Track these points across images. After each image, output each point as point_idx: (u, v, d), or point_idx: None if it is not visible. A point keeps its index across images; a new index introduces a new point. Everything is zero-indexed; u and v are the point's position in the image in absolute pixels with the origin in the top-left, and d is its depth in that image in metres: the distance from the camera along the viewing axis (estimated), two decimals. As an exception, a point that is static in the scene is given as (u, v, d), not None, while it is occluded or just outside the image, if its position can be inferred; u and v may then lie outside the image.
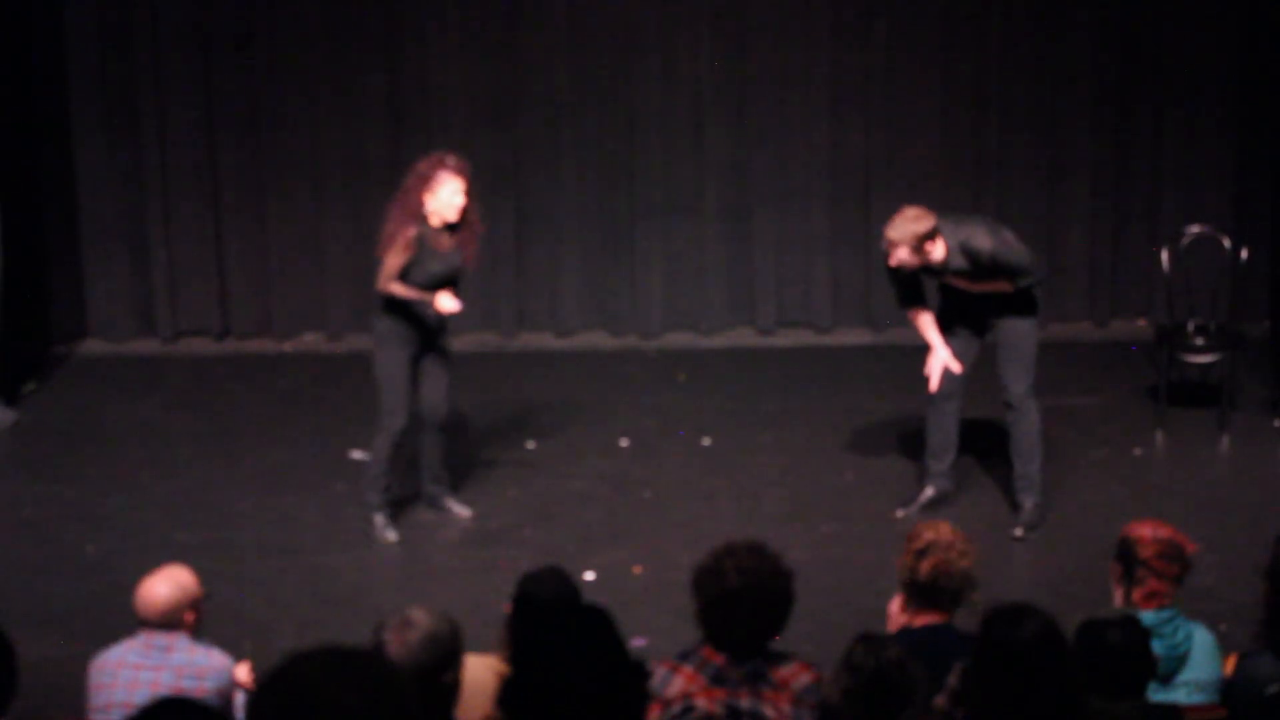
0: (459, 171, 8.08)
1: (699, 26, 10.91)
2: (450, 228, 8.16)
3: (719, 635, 4.96)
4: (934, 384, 8.44)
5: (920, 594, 5.59)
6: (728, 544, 5.07)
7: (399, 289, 8.11)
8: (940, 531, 5.66)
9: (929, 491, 8.63)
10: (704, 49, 10.92)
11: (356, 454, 9.15)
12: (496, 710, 5.06)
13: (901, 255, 8.10)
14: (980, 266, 8.14)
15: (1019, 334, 8.32)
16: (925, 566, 5.57)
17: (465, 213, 8.14)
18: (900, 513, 8.56)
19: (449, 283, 8.21)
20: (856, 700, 4.67)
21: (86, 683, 5.76)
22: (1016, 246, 8.20)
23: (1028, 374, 8.34)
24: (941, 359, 8.38)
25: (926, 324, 8.42)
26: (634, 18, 10.89)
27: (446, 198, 8.06)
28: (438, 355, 8.38)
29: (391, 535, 8.50)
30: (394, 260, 8.08)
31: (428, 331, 8.28)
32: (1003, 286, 8.24)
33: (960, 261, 8.14)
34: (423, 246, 8.08)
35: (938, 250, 8.12)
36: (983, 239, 8.13)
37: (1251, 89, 10.84)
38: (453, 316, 8.32)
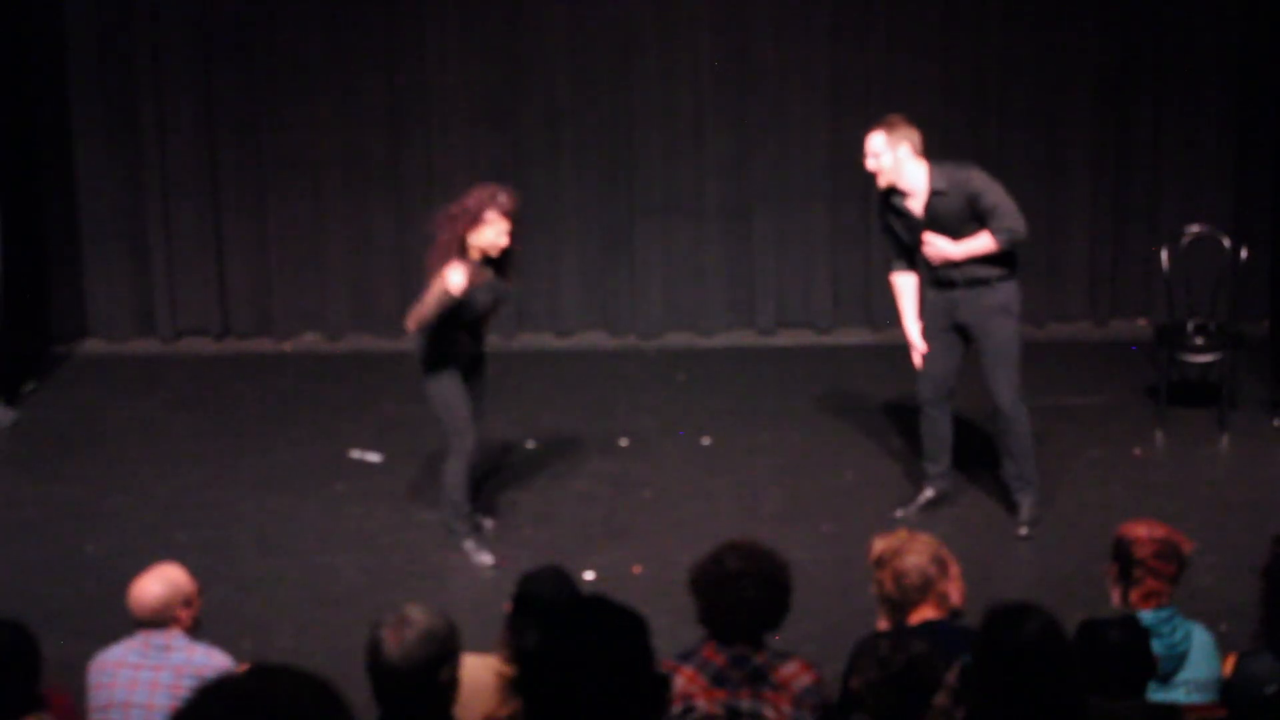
0: (507, 213, 7.83)
1: (699, 26, 10.91)
2: (490, 261, 7.96)
3: (720, 622, 4.99)
4: (916, 359, 8.41)
5: (895, 605, 5.61)
6: (724, 542, 5.14)
7: (419, 323, 7.88)
8: (890, 539, 5.71)
9: (927, 493, 8.64)
10: (704, 49, 10.93)
11: (356, 453, 9.14)
12: (504, 701, 5.07)
13: (875, 147, 8.09)
14: (963, 201, 8.04)
15: (1000, 341, 8.26)
16: (885, 577, 5.62)
17: (507, 251, 7.93)
18: (899, 512, 8.55)
19: (499, 306, 8.15)
20: (882, 694, 4.69)
21: (86, 683, 5.76)
22: (1006, 196, 8.09)
23: (1013, 381, 8.29)
24: (912, 334, 8.38)
25: (906, 292, 8.40)
26: (634, 18, 10.89)
27: (491, 238, 7.83)
28: (480, 372, 8.25)
29: (487, 559, 8.24)
30: (430, 311, 7.77)
31: (472, 354, 8.16)
32: (986, 244, 8.08)
33: (942, 185, 8.05)
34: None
35: (911, 168, 8.08)
36: (975, 174, 8.10)
37: (1251, 89, 10.84)
38: (486, 334, 8.25)
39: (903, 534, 5.75)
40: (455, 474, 8.16)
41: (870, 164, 8.17)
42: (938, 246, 8.14)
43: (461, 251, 7.84)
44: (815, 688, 4.99)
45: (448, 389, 8.08)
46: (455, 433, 8.13)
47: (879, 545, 5.72)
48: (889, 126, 8.12)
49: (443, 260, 7.79)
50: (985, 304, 8.21)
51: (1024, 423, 8.35)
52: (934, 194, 8.12)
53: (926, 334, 8.43)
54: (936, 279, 8.31)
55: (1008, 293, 8.22)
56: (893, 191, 8.24)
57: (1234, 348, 9.69)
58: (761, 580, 5.03)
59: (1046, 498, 8.62)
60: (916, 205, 8.18)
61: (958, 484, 8.75)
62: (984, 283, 8.19)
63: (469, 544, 8.26)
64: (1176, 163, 11.01)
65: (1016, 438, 8.38)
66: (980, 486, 8.87)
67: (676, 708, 4.89)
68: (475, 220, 7.81)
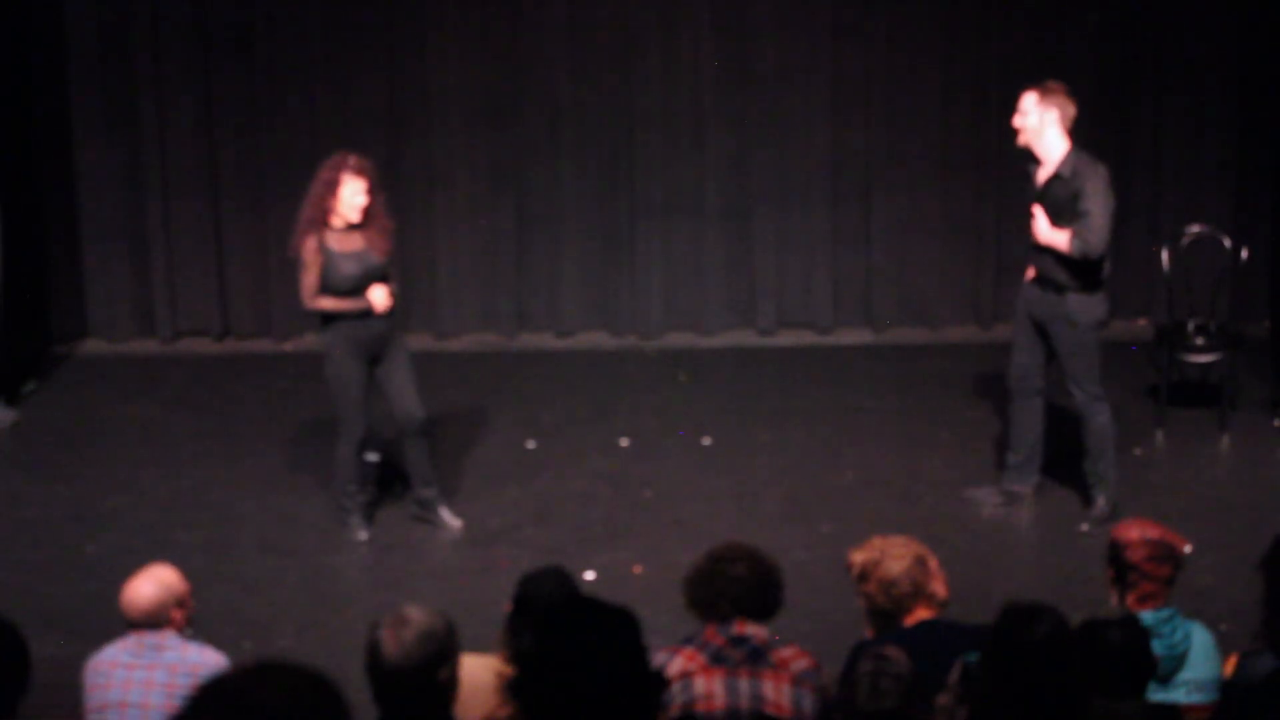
0: (361, 171, 8.13)
1: (699, 26, 10.90)
2: (356, 227, 8.19)
3: (714, 602, 5.05)
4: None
5: (887, 615, 5.56)
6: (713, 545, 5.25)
7: (328, 303, 8.15)
8: (867, 550, 5.65)
9: (1007, 487, 8.66)
10: (704, 49, 10.92)
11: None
12: (502, 701, 5.08)
13: (1025, 105, 8.15)
14: (1071, 194, 8.07)
15: (1066, 348, 8.30)
16: (872, 590, 5.57)
17: (369, 211, 8.18)
18: (971, 490, 8.66)
19: (372, 280, 8.20)
20: (860, 717, 4.70)
21: (81, 683, 5.76)
22: (1105, 210, 8.07)
23: (1084, 383, 8.33)
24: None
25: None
26: (634, 18, 10.89)
27: (348, 199, 8.11)
28: (394, 357, 8.35)
29: (363, 535, 8.52)
30: (309, 276, 8.14)
31: (375, 336, 8.27)
32: (1063, 242, 8.09)
33: (1067, 171, 8.09)
34: (328, 252, 8.11)
35: (1051, 138, 8.12)
36: (1094, 176, 8.09)
37: (1251, 89, 10.83)
38: (395, 311, 8.32)
39: (877, 541, 5.70)
40: (344, 459, 8.42)
41: (1016, 120, 8.23)
42: (1037, 222, 8.22)
43: (325, 223, 8.13)
44: (814, 671, 5.01)
45: (342, 375, 8.27)
46: (344, 418, 8.34)
47: (858, 558, 5.65)
48: (1044, 90, 8.17)
49: (305, 234, 8.14)
50: (1054, 310, 8.27)
51: (1098, 422, 8.38)
52: (1056, 175, 8.17)
53: (1016, 323, 8.54)
54: (1033, 261, 8.36)
55: (1077, 305, 8.21)
56: (1030, 156, 8.28)
57: (1234, 348, 9.69)
58: (751, 562, 5.12)
59: (1048, 498, 8.63)
60: (1040, 176, 8.25)
61: (957, 482, 8.74)
62: (1056, 288, 8.23)
63: (353, 519, 8.51)
64: (1176, 163, 11.01)
65: (1090, 435, 8.42)
66: (980, 486, 8.86)
67: (675, 686, 4.92)
68: (333, 186, 8.10)
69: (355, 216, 8.14)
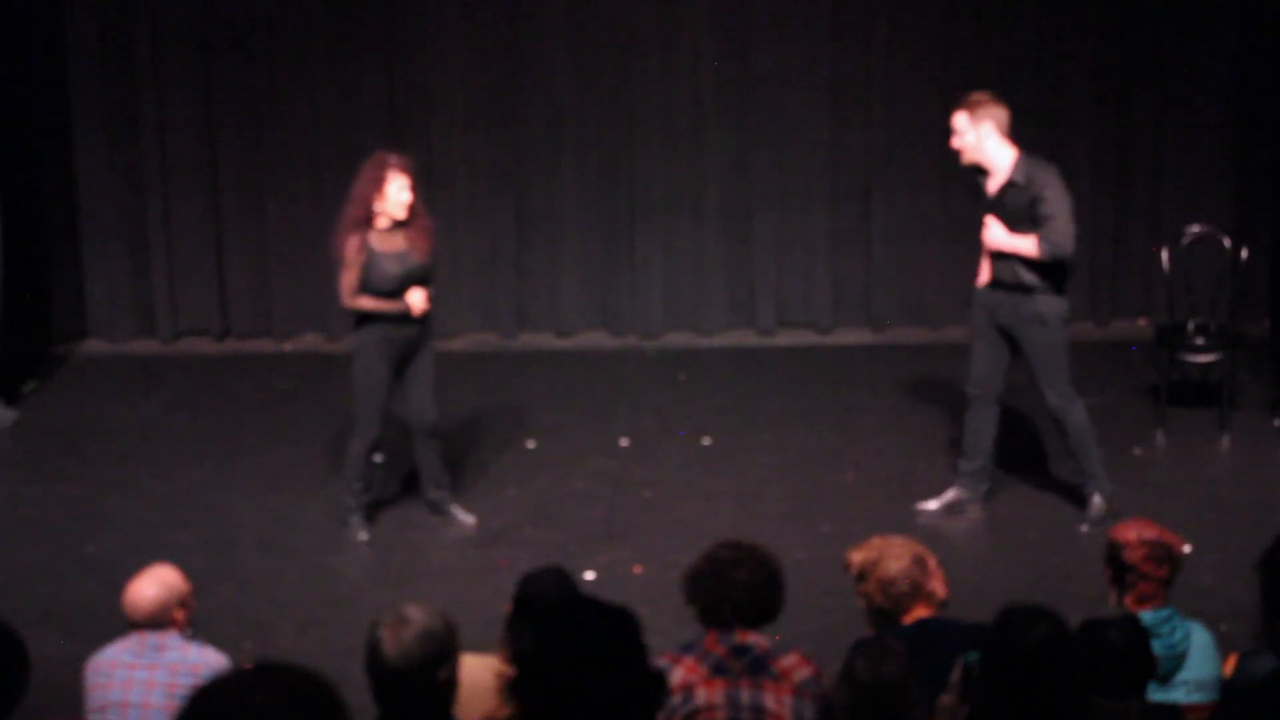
0: (403, 168, 8.15)
1: (699, 26, 10.91)
2: (400, 225, 8.20)
3: (716, 609, 5.04)
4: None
5: (886, 615, 5.56)
6: (713, 543, 5.26)
7: (367, 303, 8.16)
8: (866, 550, 5.66)
9: (949, 494, 8.62)
10: (704, 49, 10.92)
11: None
12: (504, 701, 5.08)
13: (958, 125, 8.14)
14: (1029, 199, 8.05)
15: (1038, 349, 8.26)
16: (871, 590, 5.57)
17: (413, 208, 8.20)
18: (920, 505, 8.59)
19: (415, 281, 8.21)
20: (857, 714, 4.71)
21: (83, 683, 5.76)
22: (1067, 209, 8.07)
23: (1056, 383, 8.30)
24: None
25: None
26: (634, 18, 10.89)
27: (394, 196, 8.12)
28: (421, 360, 8.36)
29: (364, 535, 8.52)
30: (349, 275, 8.13)
31: (408, 340, 8.28)
32: (1030, 248, 8.06)
33: (1020, 177, 8.07)
34: (371, 251, 8.11)
35: (993, 147, 8.10)
36: (1049, 178, 8.08)
37: (1251, 89, 10.83)
38: (429, 315, 8.32)
39: (876, 541, 5.71)
40: (355, 457, 8.43)
41: (955, 142, 8.23)
42: (992, 232, 8.20)
43: (369, 223, 8.13)
44: (815, 679, 5.01)
45: (370, 374, 8.29)
46: (363, 419, 8.37)
47: (856, 558, 5.66)
48: (970, 105, 8.16)
49: (348, 233, 8.12)
50: (1022, 312, 8.24)
51: (1075, 421, 8.36)
52: (1009, 183, 8.16)
53: (974, 329, 8.49)
54: (991, 269, 8.33)
55: (1046, 305, 8.19)
56: (978, 168, 8.28)
57: (1234, 348, 9.68)
58: (753, 564, 5.11)
59: (1048, 498, 8.63)
60: (991, 186, 8.24)
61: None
62: (1025, 290, 8.20)
63: (354, 519, 8.52)
64: (1176, 163, 11.01)
65: (1070, 435, 8.40)
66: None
67: (676, 698, 4.91)
68: (379, 184, 8.10)
69: (401, 213, 8.14)
